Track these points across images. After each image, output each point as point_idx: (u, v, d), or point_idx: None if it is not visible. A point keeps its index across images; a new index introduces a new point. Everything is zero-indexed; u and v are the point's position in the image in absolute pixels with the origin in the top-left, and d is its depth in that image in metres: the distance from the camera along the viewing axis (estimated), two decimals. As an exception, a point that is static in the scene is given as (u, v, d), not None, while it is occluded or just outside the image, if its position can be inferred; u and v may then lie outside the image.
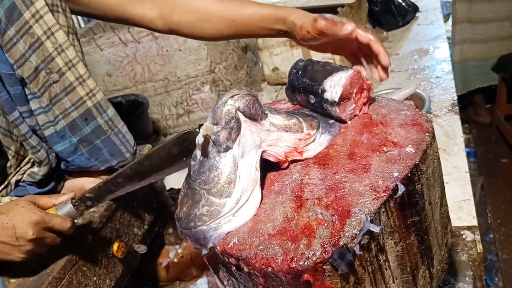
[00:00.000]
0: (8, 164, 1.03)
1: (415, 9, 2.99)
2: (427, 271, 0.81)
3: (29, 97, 1.02)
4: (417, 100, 1.83)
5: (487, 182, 2.85)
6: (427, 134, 0.78)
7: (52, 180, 1.12)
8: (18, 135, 1.02)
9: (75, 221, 0.91)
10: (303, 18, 0.96)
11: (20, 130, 1.02)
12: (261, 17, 1.01)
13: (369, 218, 0.66)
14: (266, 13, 1.01)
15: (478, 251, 1.21)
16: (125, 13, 1.09)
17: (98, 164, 1.11)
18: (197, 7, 1.06)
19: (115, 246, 1.14)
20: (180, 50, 2.18)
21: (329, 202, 0.70)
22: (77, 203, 0.89)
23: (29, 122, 1.04)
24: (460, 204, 1.37)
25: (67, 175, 1.18)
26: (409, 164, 0.73)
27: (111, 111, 1.09)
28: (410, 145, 0.76)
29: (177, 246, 1.48)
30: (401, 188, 0.70)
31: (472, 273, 1.16)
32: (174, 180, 1.93)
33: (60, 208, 0.90)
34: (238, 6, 1.03)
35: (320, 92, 0.88)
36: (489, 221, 2.59)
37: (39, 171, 1.06)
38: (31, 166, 1.07)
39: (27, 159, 1.06)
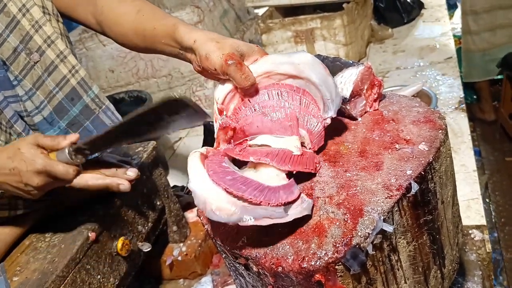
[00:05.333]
0: None
1: (420, 5, 2.97)
2: (438, 271, 0.79)
3: (14, 83, 1.01)
4: (424, 97, 1.80)
5: (492, 181, 2.83)
6: (440, 131, 0.77)
7: None
8: (5, 123, 1.00)
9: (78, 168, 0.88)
10: (210, 47, 0.81)
11: (5, 116, 1.00)
12: (164, 31, 0.92)
13: (382, 217, 0.64)
14: (169, 28, 0.91)
15: (487, 250, 1.19)
16: (72, 14, 1.09)
17: None
18: (117, 19, 1.02)
19: (119, 244, 1.13)
20: (184, 46, 2.16)
21: (341, 201, 0.69)
22: (74, 152, 0.86)
23: (16, 107, 1.03)
24: (469, 203, 1.36)
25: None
26: (423, 162, 0.71)
27: (96, 88, 1.08)
28: (423, 143, 0.74)
29: (181, 244, 1.47)
30: (415, 187, 0.68)
31: (481, 272, 1.14)
32: (178, 177, 1.92)
33: (59, 155, 0.86)
34: (150, 19, 0.97)
35: (330, 88, 0.86)
36: (493, 220, 2.57)
37: None
38: None
39: None
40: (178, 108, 0.70)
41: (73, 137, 0.87)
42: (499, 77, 3.01)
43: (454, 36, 2.83)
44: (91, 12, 1.06)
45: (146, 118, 0.76)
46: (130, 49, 1.05)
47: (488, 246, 1.21)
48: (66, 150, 0.85)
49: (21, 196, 0.89)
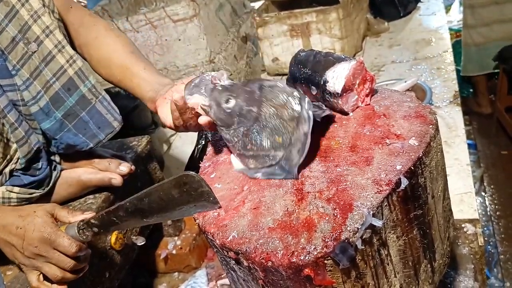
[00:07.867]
0: None
1: (417, -1, 2.97)
2: (429, 265, 0.80)
3: (12, 72, 1.01)
4: (419, 91, 1.81)
5: (487, 174, 2.84)
6: (430, 126, 0.77)
7: (40, 167, 1.09)
8: None
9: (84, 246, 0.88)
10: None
11: None
12: (137, 85, 1.05)
13: (371, 212, 0.64)
14: (141, 86, 1.04)
15: (480, 244, 1.20)
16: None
17: (87, 140, 1.09)
18: (106, 56, 1.11)
19: (113, 237, 1.13)
20: (180, 40, 2.16)
21: (331, 196, 0.69)
22: (83, 227, 0.86)
23: (13, 96, 1.02)
24: (462, 196, 1.36)
25: (63, 160, 1.16)
26: (412, 157, 0.71)
27: (92, 78, 1.08)
28: (414, 138, 0.75)
29: (176, 238, 1.48)
30: (404, 182, 0.68)
31: (473, 266, 1.15)
32: (173, 172, 1.92)
33: (68, 229, 0.87)
34: (140, 63, 1.07)
35: (322, 83, 0.86)
36: (488, 213, 2.58)
37: (20, 153, 1.04)
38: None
39: (15, 145, 1.04)
40: (189, 186, 0.74)
41: (89, 215, 0.88)
42: (495, 71, 3.01)
43: (450, 30, 2.83)
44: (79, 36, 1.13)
45: (157, 195, 0.77)
46: (101, 76, 1.14)
47: (481, 240, 1.22)
48: (76, 225, 0.86)
49: (12, 258, 0.89)
